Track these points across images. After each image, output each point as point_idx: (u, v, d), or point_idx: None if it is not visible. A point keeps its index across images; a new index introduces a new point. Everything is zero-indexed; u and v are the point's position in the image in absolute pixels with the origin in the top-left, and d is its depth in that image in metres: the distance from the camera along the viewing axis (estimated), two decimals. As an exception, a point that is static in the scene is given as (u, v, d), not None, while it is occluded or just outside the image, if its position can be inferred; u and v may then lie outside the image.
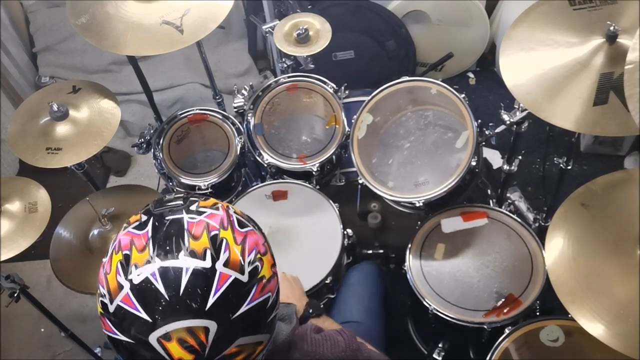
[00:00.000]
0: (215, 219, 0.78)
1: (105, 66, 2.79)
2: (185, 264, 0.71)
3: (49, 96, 1.66)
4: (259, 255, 0.78)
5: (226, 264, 0.73)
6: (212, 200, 0.82)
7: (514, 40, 1.38)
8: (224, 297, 0.72)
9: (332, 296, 1.66)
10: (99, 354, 1.94)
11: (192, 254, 0.72)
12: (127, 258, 0.74)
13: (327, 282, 1.59)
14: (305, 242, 1.67)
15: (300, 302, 1.36)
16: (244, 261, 0.75)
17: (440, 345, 1.60)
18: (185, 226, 0.75)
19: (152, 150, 1.86)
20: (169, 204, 0.79)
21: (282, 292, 0.88)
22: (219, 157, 1.90)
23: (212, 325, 0.71)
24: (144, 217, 0.78)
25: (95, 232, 1.64)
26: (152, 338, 0.70)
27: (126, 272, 0.73)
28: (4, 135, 2.54)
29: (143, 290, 0.71)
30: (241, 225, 0.80)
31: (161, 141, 1.86)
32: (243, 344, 0.74)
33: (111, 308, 0.73)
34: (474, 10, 2.59)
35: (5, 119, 2.55)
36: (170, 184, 1.88)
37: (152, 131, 1.88)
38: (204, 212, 0.78)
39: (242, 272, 0.74)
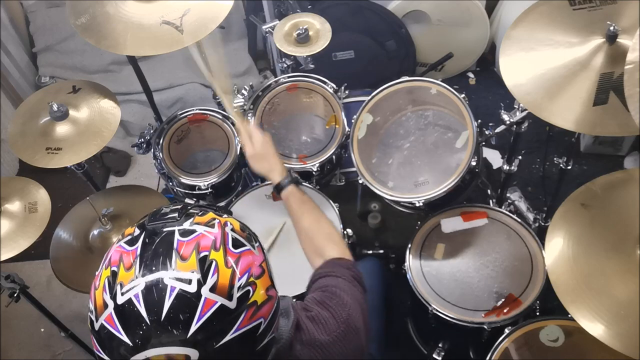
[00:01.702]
0: (206, 239, 0.74)
1: (105, 66, 2.79)
2: (170, 287, 0.69)
3: (49, 96, 1.66)
4: (251, 279, 0.74)
5: (213, 289, 0.70)
6: (209, 216, 0.79)
7: (514, 40, 1.38)
8: (207, 325, 0.69)
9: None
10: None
11: (178, 278, 0.70)
12: (114, 275, 0.72)
13: (327, 282, 1.59)
14: (305, 242, 1.67)
15: (276, 166, 1.32)
16: (233, 286, 0.72)
17: (440, 345, 1.60)
18: (175, 245, 0.73)
19: (152, 150, 1.86)
20: (164, 218, 0.77)
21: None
22: (219, 157, 1.90)
23: (194, 354, 0.68)
24: (137, 232, 0.76)
25: (96, 232, 1.65)
26: None
27: (112, 291, 0.71)
28: (4, 135, 2.54)
29: (126, 312, 0.69)
30: (236, 245, 0.76)
31: (161, 141, 1.86)
32: None
33: (96, 326, 0.72)
34: (474, 10, 2.59)
35: (5, 119, 2.54)
36: (170, 184, 1.88)
37: (152, 131, 1.88)
38: (196, 232, 0.75)
39: (230, 298, 0.71)
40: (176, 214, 0.77)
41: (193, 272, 0.70)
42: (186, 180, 1.82)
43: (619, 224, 1.25)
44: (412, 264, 1.61)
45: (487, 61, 2.85)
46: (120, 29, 1.58)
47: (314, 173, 1.77)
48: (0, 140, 2.55)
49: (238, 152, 1.85)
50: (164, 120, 1.94)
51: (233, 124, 1.89)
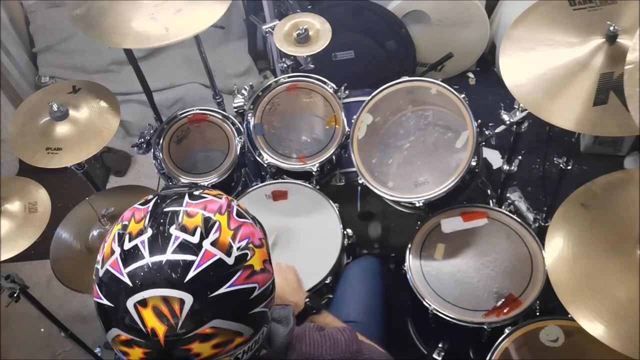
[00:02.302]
0: (213, 204, 0.80)
1: (105, 66, 2.80)
2: (174, 236, 0.74)
3: (49, 96, 1.66)
4: (250, 245, 0.79)
5: (214, 243, 0.75)
6: (217, 191, 0.85)
7: (514, 40, 1.38)
8: (204, 274, 0.72)
9: (332, 296, 1.65)
10: (99, 354, 1.94)
11: (183, 228, 0.75)
12: (124, 228, 0.77)
13: (327, 282, 1.59)
14: (305, 242, 1.67)
15: (296, 295, 1.36)
16: (232, 245, 0.76)
17: (440, 345, 1.60)
18: (184, 205, 0.78)
19: (152, 150, 1.86)
20: (176, 187, 0.85)
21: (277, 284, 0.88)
22: (219, 157, 1.90)
23: (188, 299, 0.71)
24: (150, 197, 0.82)
25: (95, 232, 1.64)
26: (130, 302, 0.72)
27: (121, 240, 0.76)
28: (4, 135, 2.54)
29: (130, 256, 0.73)
30: (239, 215, 0.82)
31: (161, 141, 1.86)
32: (219, 327, 0.73)
33: (100, 272, 0.76)
34: (474, 10, 2.59)
35: (5, 119, 2.55)
36: (170, 184, 1.88)
37: (152, 131, 1.88)
38: (205, 197, 0.81)
39: (229, 255, 0.75)
40: (188, 184, 0.82)
41: (197, 227, 0.76)
42: (186, 180, 1.82)
43: (619, 224, 1.25)
44: (412, 264, 1.61)
45: (487, 61, 2.85)
46: (109, 21, 1.60)
47: (314, 173, 1.77)
48: (0, 140, 2.55)
49: (238, 152, 1.85)
50: (164, 120, 1.94)
51: (233, 124, 1.89)
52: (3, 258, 1.42)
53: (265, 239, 0.85)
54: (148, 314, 0.71)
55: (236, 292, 0.75)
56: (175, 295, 0.71)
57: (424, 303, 1.52)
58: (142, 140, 1.87)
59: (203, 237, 0.75)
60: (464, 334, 1.56)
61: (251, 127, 1.83)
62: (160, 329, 0.71)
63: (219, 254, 0.75)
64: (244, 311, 0.77)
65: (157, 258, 0.72)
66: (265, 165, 1.80)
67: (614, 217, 1.27)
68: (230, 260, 0.75)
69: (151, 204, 0.80)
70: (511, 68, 1.35)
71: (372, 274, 1.65)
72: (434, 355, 1.59)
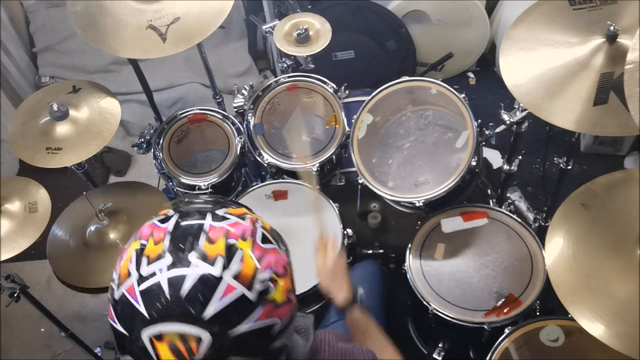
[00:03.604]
0: (238, 228, 0.75)
1: (105, 66, 2.79)
2: (194, 266, 0.69)
3: (49, 96, 1.66)
4: (274, 276, 0.74)
5: (236, 276, 0.70)
6: (243, 210, 0.80)
7: (514, 40, 1.38)
8: (224, 310, 0.68)
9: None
10: (99, 354, 1.94)
11: (204, 257, 0.70)
12: (142, 248, 0.73)
13: (327, 282, 1.59)
14: (305, 242, 1.66)
15: (341, 289, 1.28)
16: (255, 277, 0.72)
17: (440, 345, 1.60)
18: (205, 227, 0.73)
19: (152, 150, 1.86)
20: (198, 203, 0.79)
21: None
22: (219, 157, 1.90)
23: (206, 337, 0.68)
24: (171, 212, 0.77)
25: (93, 228, 1.63)
26: (145, 334, 0.69)
27: (138, 262, 0.72)
28: (4, 135, 2.54)
29: (147, 284, 0.70)
30: (265, 241, 0.76)
31: (161, 141, 1.86)
32: None
33: (116, 295, 0.72)
34: (474, 10, 2.59)
35: (5, 119, 2.54)
36: (170, 183, 1.89)
37: (152, 131, 1.89)
38: (229, 219, 0.76)
39: (251, 289, 0.71)
40: (210, 204, 0.78)
41: (218, 255, 0.71)
42: (186, 180, 1.82)
43: (619, 224, 1.25)
44: (412, 264, 1.61)
45: (487, 61, 2.85)
46: (107, 23, 1.59)
47: (314, 173, 1.77)
48: (0, 140, 2.55)
49: (238, 152, 1.85)
50: (164, 120, 1.94)
51: (233, 124, 1.89)
52: (3, 258, 1.42)
53: (289, 264, 0.80)
54: (164, 349, 0.68)
55: (257, 329, 0.71)
56: (193, 332, 0.68)
57: (424, 303, 1.52)
58: (142, 140, 1.87)
59: (224, 268, 0.70)
60: (464, 334, 1.56)
61: (251, 127, 1.84)
62: None
63: (241, 289, 0.70)
64: (265, 346, 0.74)
65: (175, 290, 0.68)
66: (266, 165, 1.80)
67: (614, 217, 1.27)
68: (252, 295, 0.70)
69: (171, 223, 0.74)
70: (511, 68, 1.35)
71: (373, 277, 1.66)
72: (434, 355, 1.59)
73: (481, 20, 2.63)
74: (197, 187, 1.81)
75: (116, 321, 0.72)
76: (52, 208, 1.51)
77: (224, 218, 0.75)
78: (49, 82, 2.79)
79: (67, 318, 2.02)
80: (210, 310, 0.68)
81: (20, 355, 2.19)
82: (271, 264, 0.74)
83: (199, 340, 0.68)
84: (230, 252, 0.71)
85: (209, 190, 1.80)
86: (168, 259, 0.70)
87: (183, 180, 1.82)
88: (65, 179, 2.40)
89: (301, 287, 1.53)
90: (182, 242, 0.72)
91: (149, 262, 0.71)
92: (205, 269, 0.69)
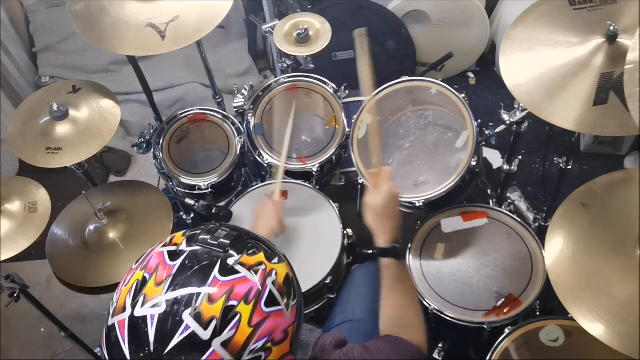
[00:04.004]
0: (244, 286, 0.71)
1: (105, 66, 2.79)
2: (186, 324, 0.67)
3: (49, 96, 1.66)
4: (268, 345, 0.71)
5: (225, 344, 0.68)
6: (258, 258, 0.75)
7: (514, 40, 1.38)
8: None
9: (332, 296, 1.66)
10: (99, 354, 1.94)
11: (198, 316, 0.68)
12: (144, 283, 0.72)
13: (327, 282, 1.59)
14: (305, 242, 1.67)
15: (386, 230, 1.20)
16: (247, 347, 0.69)
17: (440, 345, 1.60)
18: (209, 281, 0.70)
19: (152, 150, 1.86)
20: (213, 244, 0.74)
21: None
22: (219, 157, 1.90)
23: None
24: (183, 247, 0.75)
25: (92, 227, 1.64)
26: None
27: (135, 298, 0.70)
28: (4, 135, 2.54)
29: (136, 327, 0.69)
30: (270, 303, 0.72)
31: (161, 141, 1.86)
32: None
33: (109, 322, 0.72)
34: (474, 10, 2.59)
35: (5, 119, 2.54)
36: (170, 183, 1.89)
37: (152, 131, 1.89)
38: (238, 273, 0.72)
39: (238, 358, 0.68)
40: (228, 243, 0.75)
41: (214, 318, 0.68)
42: (186, 180, 1.82)
43: (619, 224, 1.25)
44: (412, 263, 1.61)
45: (487, 61, 2.85)
46: (107, 22, 1.59)
47: (314, 173, 1.77)
48: (0, 140, 2.55)
49: (238, 152, 1.85)
50: (164, 120, 1.94)
51: (233, 124, 1.88)
52: (3, 258, 1.42)
53: (294, 323, 0.76)
54: None
55: None
56: None
57: (424, 303, 1.52)
58: (142, 140, 1.87)
59: (215, 335, 0.67)
60: (464, 334, 1.56)
61: (251, 127, 1.83)
62: None
63: (227, 358, 0.67)
64: None
65: (161, 344, 0.67)
66: (265, 165, 1.80)
67: (614, 217, 1.27)
68: None
69: (178, 264, 0.72)
70: (511, 68, 1.35)
71: (376, 278, 1.66)
72: (434, 355, 1.59)
73: (481, 20, 2.63)
74: (197, 187, 1.81)
75: (105, 348, 0.72)
76: (52, 208, 1.51)
77: (232, 272, 0.72)
78: (49, 82, 2.79)
79: (67, 318, 2.02)
80: None
81: (20, 355, 2.19)
82: (269, 331, 0.71)
83: None
84: (226, 316, 0.69)
85: (209, 190, 1.80)
86: (163, 307, 0.69)
87: (183, 180, 1.82)
88: (65, 179, 2.40)
89: (302, 287, 1.54)
90: (182, 292, 0.70)
91: (144, 303, 0.70)
92: (196, 329, 0.67)
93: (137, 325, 0.69)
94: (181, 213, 2.05)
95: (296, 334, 0.76)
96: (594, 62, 1.28)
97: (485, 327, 1.46)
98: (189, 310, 0.68)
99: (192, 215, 2.04)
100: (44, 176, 1.65)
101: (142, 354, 0.67)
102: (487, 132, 1.64)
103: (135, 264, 0.76)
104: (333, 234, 1.66)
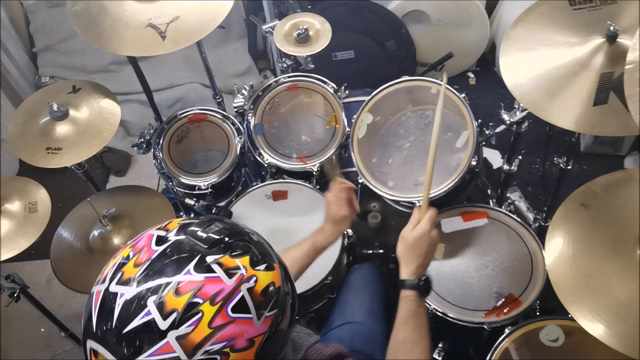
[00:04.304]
0: (214, 286, 0.71)
1: (105, 66, 2.79)
2: (147, 310, 0.68)
3: (49, 96, 1.66)
4: (226, 349, 0.69)
5: (179, 338, 0.68)
6: (241, 261, 0.74)
7: (514, 40, 1.38)
8: None
9: (332, 296, 1.66)
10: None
11: (160, 306, 0.68)
12: (126, 260, 0.74)
13: (327, 282, 1.59)
14: (305, 242, 1.67)
15: (413, 263, 1.18)
16: (201, 347, 0.68)
17: (440, 345, 1.60)
18: (181, 273, 0.71)
19: (152, 150, 1.86)
20: (199, 238, 0.75)
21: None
22: (219, 157, 1.90)
23: None
24: (172, 234, 0.76)
25: (96, 232, 1.64)
26: (88, 344, 0.72)
27: (115, 274, 0.73)
28: (4, 135, 2.54)
29: (107, 302, 0.71)
30: (238, 308, 0.71)
31: (161, 141, 1.86)
32: None
33: (92, 288, 0.75)
34: (474, 10, 2.59)
35: (5, 119, 2.54)
36: (170, 183, 1.88)
37: (152, 131, 1.88)
38: (212, 272, 0.71)
39: (190, 356, 0.68)
40: (214, 239, 0.74)
41: (175, 310, 0.68)
42: (186, 180, 1.82)
43: (619, 224, 1.25)
44: (412, 263, 1.61)
45: (487, 61, 2.85)
46: (107, 23, 1.59)
47: (314, 173, 1.77)
48: (0, 140, 2.55)
49: (238, 152, 1.85)
50: (164, 120, 1.94)
51: (233, 124, 1.88)
52: (3, 258, 1.42)
53: (264, 335, 0.73)
54: None
55: None
56: None
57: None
58: (142, 140, 1.87)
59: (172, 327, 0.67)
60: (464, 334, 1.56)
61: (251, 127, 1.83)
62: None
63: (179, 353, 0.67)
64: None
65: (121, 324, 0.69)
66: (266, 165, 1.80)
67: (614, 217, 1.27)
68: None
69: (159, 250, 0.73)
70: (511, 68, 1.35)
71: (373, 279, 1.66)
72: (434, 355, 1.59)
73: (481, 20, 2.63)
74: (197, 187, 1.81)
75: (84, 310, 0.75)
76: (52, 208, 1.52)
77: (207, 269, 0.72)
78: (49, 82, 2.79)
79: (67, 318, 2.02)
80: (141, 359, 0.68)
81: (20, 355, 2.19)
82: (230, 336, 0.70)
83: None
84: (188, 311, 0.69)
85: (209, 190, 1.80)
86: (132, 290, 0.70)
87: (183, 180, 1.82)
88: (65, 179, 2.40)
89: (301, 287, 1.54)
90: (153, 279, 0.71)
91: (119, 281, 0.72)
92: (156, 317, 0.68)
93: (108, 299, 0.71)
94: (181, 213, 2.05)
95: (267, 345, 0.74)
96: (594, 62, 1.28)
97: (485, 327, 1.46)
98: (154, 298, 0.69)
99: (192, 216, 2.05)
100: (44, 176, 1.65)
101: (104, 328, 0.70)
102: (487, 132, 1.64)
103: (131, 240, 0.79)
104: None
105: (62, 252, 1.63)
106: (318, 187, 1.79)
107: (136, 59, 1.87)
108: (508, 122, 1.57)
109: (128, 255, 0.75)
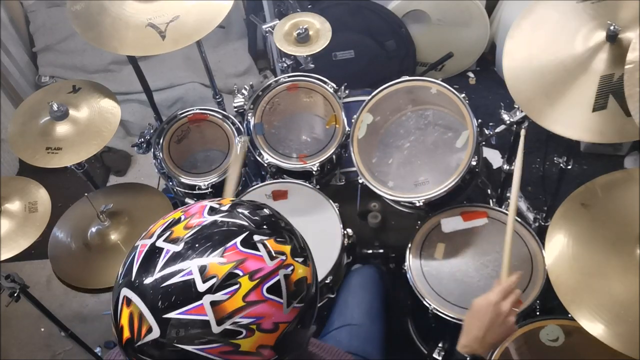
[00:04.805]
0: (256, 263, 0.73)
1: (105, 66, 2.80)
2: (189, 269, 0.70)
3: (49, 96, 1.66)
4: (253, 326, 0.71)
5: (214, 304, 0.69)
6: (282, 248, 0.76)
7: (517, 40, 1.38)
8: (183, 323, 0.69)
9: (332, 296, 1.66)
10: (99, 354, 1.94)
11: (202, 269, 0.70)
12: (178, 221, 0.76)
13: (327, 281, 1.59)
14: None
15: (480, 341, 1.09)
16: (231, 317, 0.70)
17: (440, 345, 1.60)
18: (228, 245, 0.73)
19: (152, 150, 1.86)
20: (250, 217, 0.77)
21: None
22: (219, 157, 1.90)
23: (156, 332, 0.69)
24: (225, 207, 0.78)
25: (94, 229, 1.64)
26: (122, 292, 0.72)
27: (164, 231, 0.75)
28: (4, 135, 2.54)
29: (151, 255, 0.73)
30: (273, 290, 0.73)
31: (161, 141, 1.86)
32: None
33: (136, 243, 0.76)
34: (474, 10, 2.59)
35: (5, 119, 2.55)
36: (170, 183, 1.89)
37: (152, 131, 1.89)
38: (256, 250, 0.74)
39: (219, 324, 0.69)
40: (264, 223, 0.77)
41: (215, 276, 0.70)
42: (186, 180, 1.82)
43: (619, 223, 1.25)
44: (412, 263, 1.61)
45: (487, 61, 2.85)
46: (107, 22, 1.59)
47: (314, 173, 1.77)
48: (0, 140, 2.55)
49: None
50: (164, 120, 1.94)
51: (233, 124, 1.88)
52: (3, 258, 1.42)
53: (289, 323, 0.75)
54: (125, 314, 0.71)
55: (203, 358, 0.70)
56: (149, 320, 0.69)
57: (424, 303, 1.52)
58: (142, 139, 1.87)
59: (209, 291, 0.69)
60: (464, 334, 1.55)
61: (251, 127, 1.83)
62: (125, 333, 0.71)
63: (210, 317, 0.69)
64: None
65: (162, 278, 0.70)
66: (266, 164, 1.80)
67: (614, 217, 1.27)
68: (216, 329, 0.69)
69: (212, 218, 0.76)
70: (514, 71, 1.36)
71: (372, 280, 1.66)
72: (434, 355, 1.59)
73: (481, 20, 2.63)
74: (197, 187, 1.81)
75: (124, 261, 0.76)
76: (52, 208, 1.51)
77: (253, 246, 0.74)
78: (49, 82, 2.79)
79: (67, 318, 2.02)
80: (173, 315, 0.69)
81: (20, 355, 2.19)
82: (260, 314, 0.72)
83: (149, 330, 0.69)
84: (227, 280, 0.70)
85: (209, 190, 1.80)
86: (179, 248, 0.72)
87: (183, 180, 1.82)
88: (65, 179, 2.40)
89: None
90: (201, 243, 0.73)
91: (167, 239, 0.74)
92: (196, 278, 0.70)
93: (153, 252, 0.73)
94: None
95: (288, 335, 0.75)
96: (594, 65, 1.27)
97: (485, 327, 1.46)
98: (198, 260, 0.71)
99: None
100: (44, 176, 1.65)
101: (144, 279, 0.71)
102: (487, 132, 1.64)
103: (182, 207, 0.81)
104: (333, 234, 1.66)
105: (59, 250, 1.62)
106: (318, 187, 1.79)
107: (136, 58, 1.87)
108: (508, 122, 1.57)
109: (179, 218, 0.77)
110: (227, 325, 0.70)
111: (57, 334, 1.81)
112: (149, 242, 0.74)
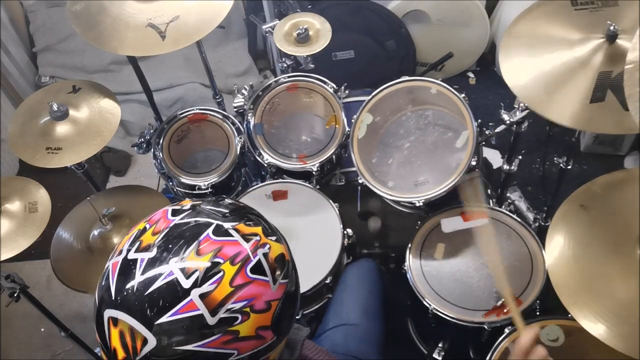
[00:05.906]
0: (233, 248, 0.73)
1: (105, 66, 2.79)
2: (170, 270, 0.70)
3: (49, 96, 1.66)
4: (247, 309, 0.71)
5: (203, 296, 0.69)
6: (254, 230, 0.77)
7: (515, 37, 1.39)
8: (177, 324, 0.68)
9: (332, 296, 1.65)
10: (99, 354, 1.94)
11: (182, 266, 0.70)
12: (143, 231, 0.76)
13: (327, 282, 1.59)
14: (305, 242, 1.67)
15: None
16: (223, 305, 0.70)
17: (440, 345, 1.60)
18: (201, 237, 0.73)
19: (152, 150, 1.86)
20: (214, 210, 0.78)
21: None
22: (219, 157, 1.90)
23: (152, 341, 0.68)
24: (186, 206, 0.79)
25: (96, 232, 1.64)
26: (106, 314, 0.71)
27: (132, 244, 0.74)
28: (4, 135, 2.54)
29: (126, 268, 0.72)
30: (256, 271, 0.73)
31: (161, 141, 1.86)
32: None
33: (107, 264, 0.76)
34: (474, 10, 2.59)
35: (5, 119, 2.54)
36: (170, 183, 1.89)
37: (152, 131, 1.89)
38: (230, 236, 0.75)
39: (213, 314, 0.69)
40: (229, 211, 0.78)
41: (197, 270, 0.70)
42: (186, 180, 1.82)
43: (619, 224, 1.25)
44: (412, 263, 1.61)
45: (487, 61, 2.85)
46: (107, 23, 1.59)
47: (314, 173, 1.77)
48: (0, 140, 2.55)
49: (238, 152, 1.85)
50: (164, 120, 1.94)
51: (233, 124, 1.89)
52: (3, 258, 1.42)
53: (280, 300, 0.76)
54: (115, 335, 0.70)
55: (205, 353, 0.69)
56: (142, 332, 0.68)
57: (424, 303, 1.52)
58: (142, 140, 1.87)
59: (195, 285, 0.69)
60: (464, 334, 1.56)
61: (251, 127, 1.83)
62: (120, 354, 0.70)
63: (202, 310, 0.69)
64: None
65: (144, 286, 0.69)
66: (266, 165, 1.80)
67: (614, 217, 1.27)
68: (211, 320, 0.69)
69: (177, 219, 0.76)
70: (511, 65, 1.36)
71: (370, 276, 1.65)
72: (434, 355, 1.59)
73: (481, 20, 2.63)
74: (197, 187, 1.81)
75: (97, 289, 0.75)
76: (52, 208, 1.51)
77: (225, 233, 0.75)
78: (49, 82, 2.79)
79: (67, 318, 2.02)
80: (164, 319, 0.68)
81: (20, 355, 2.19)
82: (250, 296, 0.72)
83: (144, 341, 0.69)
84: (210, 270, 0.71)
85: (209, 190, 1.80)
86: (152, 254, 0.72)
87: (183, 180, 1.82)
88: (65, 179, 2.40)
89: (302, 287, 1.54)
90: (173, 243, 0.73)
91: (138, 249, 0.73)
92: (178, 277, 0.70)
93: (127, 266, 0.72)
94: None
95: (281, 311, 0.76)
96: (593, 61, 1.29)
97: (485, 327, 1.46)
98: (175, 259, 0.71)
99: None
100: (44, 176, 1.65)
101: (125, 294, 0.70)
102: (487, 132, 1.64)
103: (145, 218, 0.80)
104: (333, 234, 1.66)
105: (62, 252, 1.63)
106: (318, 187, 1.79)
107: (136, 58, 1.87)
108: (508, 122, 1.57)
109: (144, 228, 0.76)
110: (221, 314, 0.70)
111: (57, 334, 1.81)
112: (119, 258, 0.74)
